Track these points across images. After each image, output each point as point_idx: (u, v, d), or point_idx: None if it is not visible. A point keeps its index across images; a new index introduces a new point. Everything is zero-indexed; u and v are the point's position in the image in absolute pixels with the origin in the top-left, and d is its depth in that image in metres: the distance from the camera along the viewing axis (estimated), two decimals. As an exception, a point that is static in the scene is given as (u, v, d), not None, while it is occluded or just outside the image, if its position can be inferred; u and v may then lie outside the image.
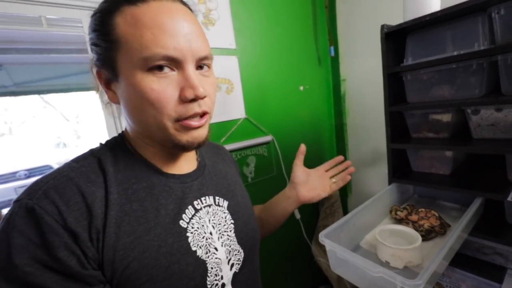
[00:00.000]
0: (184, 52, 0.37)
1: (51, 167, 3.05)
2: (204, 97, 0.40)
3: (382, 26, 0.77)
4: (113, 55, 0.38)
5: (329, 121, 1.71)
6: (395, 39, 0.81)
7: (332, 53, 1.56)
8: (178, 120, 0.39)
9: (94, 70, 0.42)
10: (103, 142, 0.46)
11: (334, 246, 0.57)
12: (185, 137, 0.41)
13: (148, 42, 0.35)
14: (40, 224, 0.33)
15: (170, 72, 0.38)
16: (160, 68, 0.37)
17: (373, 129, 1.51)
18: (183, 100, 0.38)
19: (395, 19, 0.81)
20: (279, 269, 1.45)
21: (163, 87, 0.37)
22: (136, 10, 0.36)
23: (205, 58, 0.40)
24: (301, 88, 1.52)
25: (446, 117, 0.77)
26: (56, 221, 0.33)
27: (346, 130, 1.67)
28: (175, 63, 0.38)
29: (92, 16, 0.40)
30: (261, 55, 1.32)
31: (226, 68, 1.20)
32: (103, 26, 0.38)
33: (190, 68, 0.39)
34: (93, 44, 0.40)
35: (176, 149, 0.44)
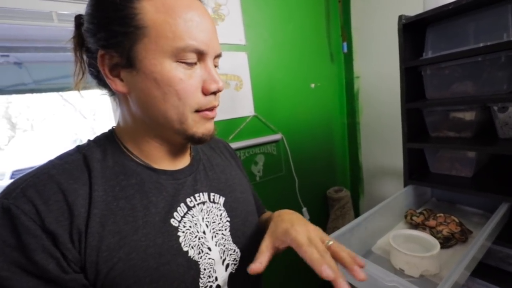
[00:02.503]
0: (209, 47, 0.39)
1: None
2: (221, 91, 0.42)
3: (400, 17, 0.72)
4: (132, 41, 0.36)
5: (341, 119, 1.66)
6: (414, 32, 0.76)
7: (345, 49, 1.51)
8: (196, 111, 0.40)
9: (100, 53, 0.37)
10: (91, 138, 0.43)
11: (344, 251, 0.53)
12: (200, 129, 0.41)
13: (182, 32, 0.36)
14: (16, 225, 0.31)
15: (194, 65, 0.39)
16: (189, 59, 0.38)
17: (388, 128, 1.45)
18: (205, 93, 0.40)
19: (413, 13, 0.76)
20: (286, 271, 1.42)
21: (189, 79, 0.38)
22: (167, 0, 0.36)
23: (219, 55, 0.42)
24: (312, 85, 1.48)
25: (469, 115, 0.71)
26: (33, 222, 0.32)
27: (359, 129, 1.61)
28: (200, 56, 0.39)
29: None
30: (271, 51, 1.29)
31: (235, 65, 1.18)
32: (123, 8, 0.35)
33: (211, 63, 0.40)
34: (99, 23, 0.37)
35: (189, 142, 0.43)
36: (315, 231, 0.41)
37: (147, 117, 0.40)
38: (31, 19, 0.81)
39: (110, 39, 0.36)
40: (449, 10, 0.64)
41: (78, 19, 0.41)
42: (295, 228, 0.40)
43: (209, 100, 0.41)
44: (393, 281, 0.45)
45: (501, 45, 0.59)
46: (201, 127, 0.41)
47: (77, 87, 0.45)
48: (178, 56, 0.36)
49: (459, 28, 0.68)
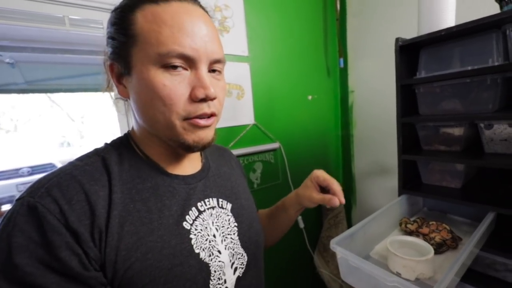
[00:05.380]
0: (199, 53, 0.38)
1: (54, 165, 3.07)
2: (214, 98, 0.40)
3: (397, 39, 0.79)
4: (128, 50, 0.39)
5: (335, 131, 1.72)
6: (408, 53, 0.83)
7: (341, 65, 1.59)
8: (186, 118, 0.40)
9: (107, 63, 0.42)
10: (108, 142, 0.46)
11: (346, 254, 0.57)
12: (191, 137, 0.41)
13: (166, 38, 0.36)
14: (42, 223, 0.32)
15: (183, 71, 0.38)
16: (174, 67, 0.37)
17: (380, 141, 1.52)
18: (193, 99, 0.39)
19: (405, 34, 0.83)
20: (281, 279, 1.42)
21: (175, 85, 0.38)
22: (157, 8, 0.38)
23: (218, 61, 0.41)
24: (310, 97, 1.54)
25: (458, 131, 0.78)
26: (58, 220, 0.33)
27: (353, 141, 1.67)
28: (189, 62, 0.38)
29: (113, 10, 0.41)
30: (272, 63, 1.35)
31: (238, 74, 1.22)
32: (123, 21, 0.39)
33: (203, 69, 0.39)
34: (110, 37, 0.41)
35: (181, 149, 0.43)
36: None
37: (143, 122, 0.43)
38: (44, 22, 0.83)
39: (115, 49, 0.40)
40: (441, 36, 0.71)
41: None
42: (314, 172, 0.60)
43: (200, 108, 0.39)
44: (394, 281, 0.48)
45: (487, 69, 0.65)
46: (192, 135, 0.41)
47: (105, 91, 0.49)
48: (162, 62, 0.37)
49: (449, 52, 0.75)
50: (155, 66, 0.37)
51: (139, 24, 0.37)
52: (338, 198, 0.55)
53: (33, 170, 3.04)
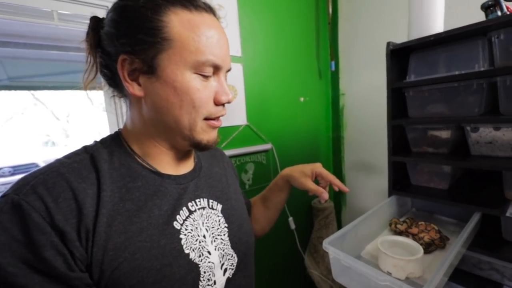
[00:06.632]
0: (224, 63, 0.43)
1: (37, 165, 2.96)
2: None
3: (388, 44, 0.81)
4: (157, 50, 0.38)
5: (326, 133, 1.74)
6: (398, 57, 0.85)
7: (333, 68, 1.61)
8: (206, 119, 0.43)
9: (120, 58, 0.39)
10: (98, 140, 0.44)
11: (339, 254, 0.57)
12: (206, 137, 0.45)
13: (204, 48, 0.39)
14: (26, 221, 0.31)
15: (209, 77, 0.42)
16: (206, 74, 0.41)
17: (369, 143, 1.55)
18: (216, 103, 0.44)
19: (395, 39, 0.85)
20: (272, 280, 1.42)
21: (205, 89, 0.42)
22: (193, 17, 0.39)
23: (229, 69, 0.47)
24: (302, 99, 1.55)
25: (445, 134, 0.80)
26: (43, 219, 0.32)
27: (343, 143, 1.70)
28: (215, 70, 0.43)
29: (131, 6, 0.38)
30: (265, 64, 1.35)
31: (231, 75, 1.21)
32: (152, 20, 0.38)
33: (223, 76, 0.44)
34: (126, 31, 0.38)
35: (195, 148, 0.46)
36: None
37: (159, 121, 0.42)
38: (32, 16, 0.80)
39: (135, 46, 0.38)
40: (431, 41, 0.73)
41: (97, 21, 0.43)
42: (317, 167, 0.65)
43: (219, 110, 0.44)
44: (386, 280, 0.49)
45: (473, 74, 0.68)
46: (207, 135, 0.45)
47: (86, 87, 0.46)
48: (198, 69, 0.40)
49: (438, 57, 0.78)
50: (189, 71, 0.39)
51: (175, 29, 0.38)
52: (342, 188, 0.63)
53: (15, 170, 2.91)
